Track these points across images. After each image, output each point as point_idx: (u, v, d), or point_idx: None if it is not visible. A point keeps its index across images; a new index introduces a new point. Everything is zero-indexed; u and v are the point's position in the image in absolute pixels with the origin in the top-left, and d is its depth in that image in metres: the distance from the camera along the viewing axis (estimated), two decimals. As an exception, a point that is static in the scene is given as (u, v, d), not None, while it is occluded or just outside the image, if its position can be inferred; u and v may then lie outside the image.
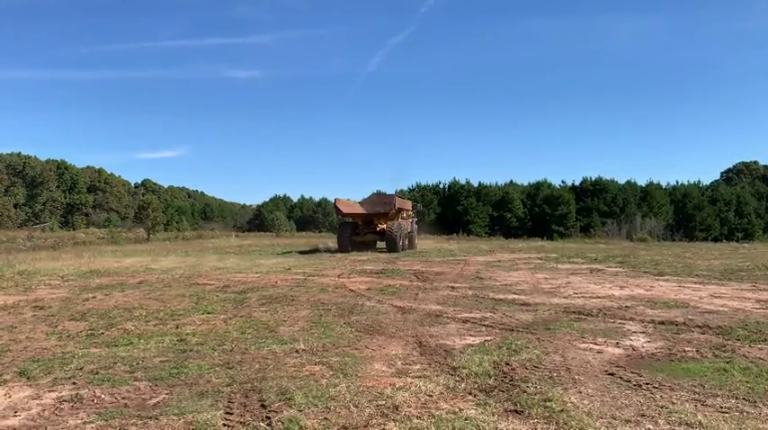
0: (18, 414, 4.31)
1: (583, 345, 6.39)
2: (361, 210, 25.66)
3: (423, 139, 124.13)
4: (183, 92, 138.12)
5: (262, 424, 4.00)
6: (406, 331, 7.25)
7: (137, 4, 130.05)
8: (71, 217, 76.34)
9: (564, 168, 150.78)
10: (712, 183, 69.08)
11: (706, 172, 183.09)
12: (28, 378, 5.26)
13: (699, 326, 7.39)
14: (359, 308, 9.18)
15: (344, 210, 25.67)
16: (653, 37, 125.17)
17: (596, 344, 6.47)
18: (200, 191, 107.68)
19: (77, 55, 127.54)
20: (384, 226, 25.27)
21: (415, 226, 29.83)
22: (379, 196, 27.15)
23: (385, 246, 25.22)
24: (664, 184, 60.06)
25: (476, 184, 59.29)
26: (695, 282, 12.69)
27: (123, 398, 4.62)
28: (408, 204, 30.04)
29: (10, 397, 4.71)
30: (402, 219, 27.26)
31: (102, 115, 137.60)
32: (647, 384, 4.84)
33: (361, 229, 25.98)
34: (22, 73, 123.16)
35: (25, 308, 9.49)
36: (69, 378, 5.21)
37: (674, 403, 4.37)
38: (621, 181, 58.63)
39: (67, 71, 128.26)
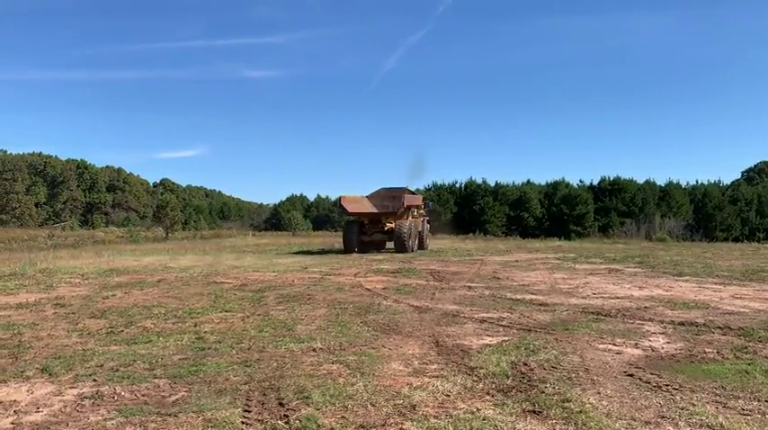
0: (40, 410, 4.38)
1: (601, 346, 6.33)
2: (367, 209, 24.29)
3: (439, 139, 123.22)
4: (201, 92, 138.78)
5: (280, 422, 4.02)
6: (423, 331, 7.25)
7: (154, 4, 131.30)
8: (91, 216, 77.37)
9: (582, 167, 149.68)
10: (733, 182, 67.75)
11: (727, 171, 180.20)
12: (50, 374, 5.35)
13: (719, 328, 7.29)
14: (375, 307, 9.19)
15: (350, 208, 24.61)
16: (671, 34, 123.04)
17: (615, 344, 6.41)
18: (217, 190, 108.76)
19: (96, 55, 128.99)
20: (392, 225, 23.87)
21: (427, 225, 28.15)
22: (387, 191, 25.19)
23: (393, 246, 24.07)
24: (683, 184, 59.04)
25: (492, 184, 58.87)
26: (715, 283, 12.50)
27: (143, 396, 4.68)
28: (419, 200, 27.53)
29: (32, 393, 4.80)
30: (412, 217, 25.70)
31: (121, 115, 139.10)
32: (667, 385, 4.78)
33: (369, 229, 24.61)
34: (42, 73, 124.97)
35: (47, 305, 9.65)
36: (90, 375, 5.29)
37: (694, 405, 4.31)
38: (640, 180, 57.82)
39: (86, 71, 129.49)
